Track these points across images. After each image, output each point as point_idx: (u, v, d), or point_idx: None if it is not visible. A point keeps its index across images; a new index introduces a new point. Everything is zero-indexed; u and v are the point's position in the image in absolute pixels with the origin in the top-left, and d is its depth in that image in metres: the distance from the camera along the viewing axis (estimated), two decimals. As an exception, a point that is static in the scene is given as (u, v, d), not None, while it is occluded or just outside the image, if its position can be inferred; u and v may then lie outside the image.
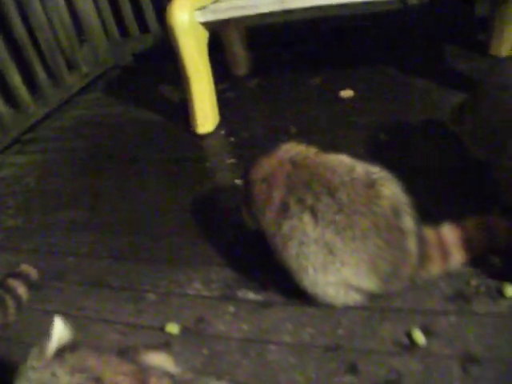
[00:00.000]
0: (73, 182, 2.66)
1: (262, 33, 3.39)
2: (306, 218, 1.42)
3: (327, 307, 1.52)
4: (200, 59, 2.55)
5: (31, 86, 3.31)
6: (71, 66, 3.59)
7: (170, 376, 0.99)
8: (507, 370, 1.26)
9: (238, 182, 1.81)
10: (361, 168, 1.45)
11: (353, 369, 1.36)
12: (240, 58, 3.25)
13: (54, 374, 0.92)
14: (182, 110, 2.81)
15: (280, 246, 1.50)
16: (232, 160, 2.39)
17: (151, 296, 1.77)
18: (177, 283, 1.79)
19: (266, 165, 1.57)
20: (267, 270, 1.74)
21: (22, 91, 3.20)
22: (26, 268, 1.99)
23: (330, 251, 1.41)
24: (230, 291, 1.71)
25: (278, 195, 1.49)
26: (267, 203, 1.52)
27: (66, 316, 1.85)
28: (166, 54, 3.37)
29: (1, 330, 1.79)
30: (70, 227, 2.29)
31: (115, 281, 1.89)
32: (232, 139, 2.53)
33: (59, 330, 1.01)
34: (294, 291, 1.64)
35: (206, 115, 2.63)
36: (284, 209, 1.47)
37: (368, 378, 1.33)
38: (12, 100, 3.23)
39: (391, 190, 1.42)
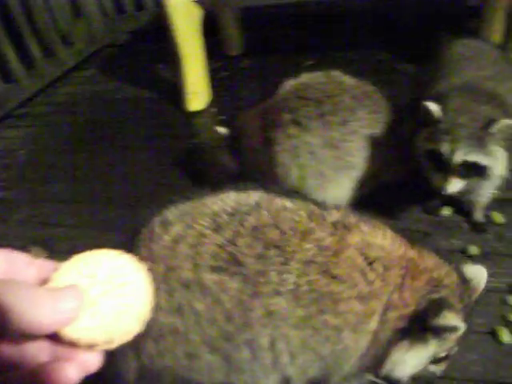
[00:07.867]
0: (64, 157, 2.68)
1: (255, 14, 3.40)
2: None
3: None
4: (193, 37, 2.56)
5: (25, 60, 3.30)
6: (66, 41, 3.59)
7: None
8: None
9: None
10: None
11: None
12: (233, 38, 3.26)
13: None
14: (175, 88, 2.83)
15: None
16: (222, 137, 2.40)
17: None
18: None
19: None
20: None
21: (16, 65, 3.20)
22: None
23: None
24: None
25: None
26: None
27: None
28: (161, 32, 3.39)
29: None
30: (60, 199, 2.32)
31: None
32: (223, 117, 2.56)
33: None
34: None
35: (196, 93, 2.65)
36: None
37: None
38: (6, 74, 3.23)
39: None
